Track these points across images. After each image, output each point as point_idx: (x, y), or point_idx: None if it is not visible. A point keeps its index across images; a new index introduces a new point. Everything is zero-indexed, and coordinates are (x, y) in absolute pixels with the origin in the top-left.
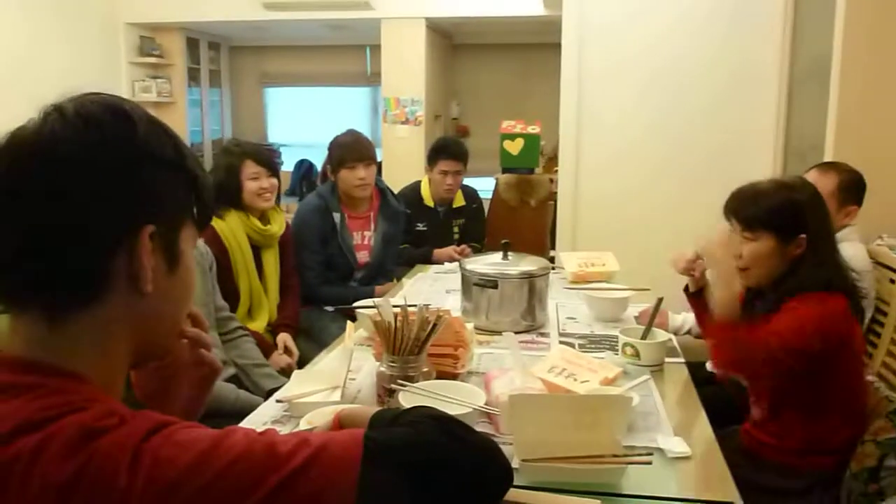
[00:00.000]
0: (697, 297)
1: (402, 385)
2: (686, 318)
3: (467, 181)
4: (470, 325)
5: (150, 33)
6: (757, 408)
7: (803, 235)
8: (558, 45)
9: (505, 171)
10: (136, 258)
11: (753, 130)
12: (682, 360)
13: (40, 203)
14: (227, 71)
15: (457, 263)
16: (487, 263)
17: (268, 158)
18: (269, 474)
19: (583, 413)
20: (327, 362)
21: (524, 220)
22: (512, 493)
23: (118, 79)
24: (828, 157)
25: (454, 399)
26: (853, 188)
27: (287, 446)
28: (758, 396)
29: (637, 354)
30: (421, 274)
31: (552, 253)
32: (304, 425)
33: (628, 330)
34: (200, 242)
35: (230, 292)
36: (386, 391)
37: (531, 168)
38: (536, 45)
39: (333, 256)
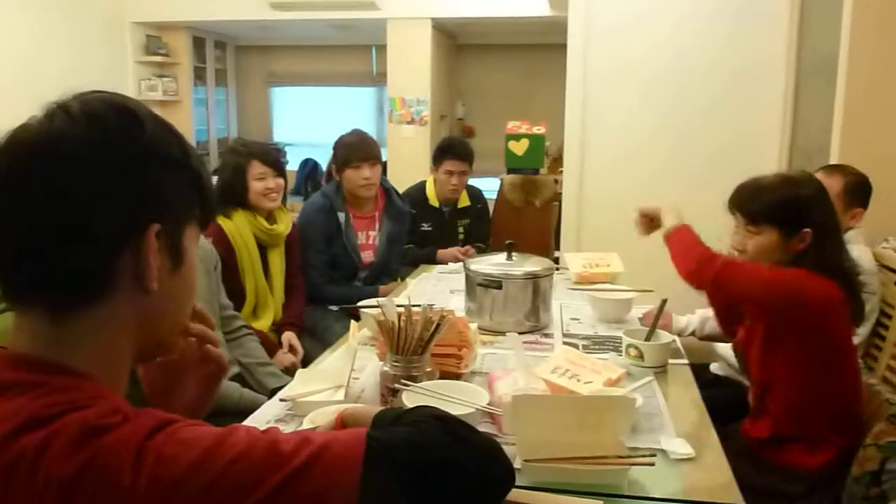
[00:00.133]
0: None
1: (405, 385)
2: (690, 319)
3: (472, 181)
4: (474, 326)
5: (157, 32)
6: (752, 399)
7: (807, 230)
8: (564, 46)
9: (510, 171)
10: (142, 257)
11: (759, 130)
12: (686, 361)
13: (46, 202)
14: (233, 70)
15: (461, 263)
16: (492, 264)
17: (274, 158)
18: (272, 473)
19: (586, 414)
20: (331, 361)
21: (529, 221)
22: (514, 494)
23: (124, 78)
24: (833, 159)
25: (457, 399)
26: (859, 190)
27: (290, 445)
28: (751, 384)
29: (641, 356)
30: (425, 274)
31: (556, 254)
32: (307, 424)
33: (632, 331)
34: (206, 242)
35: (236, 291)
36: (389, 391)
37: (536, 168)
38: (542, 46)
39: (338, 256)
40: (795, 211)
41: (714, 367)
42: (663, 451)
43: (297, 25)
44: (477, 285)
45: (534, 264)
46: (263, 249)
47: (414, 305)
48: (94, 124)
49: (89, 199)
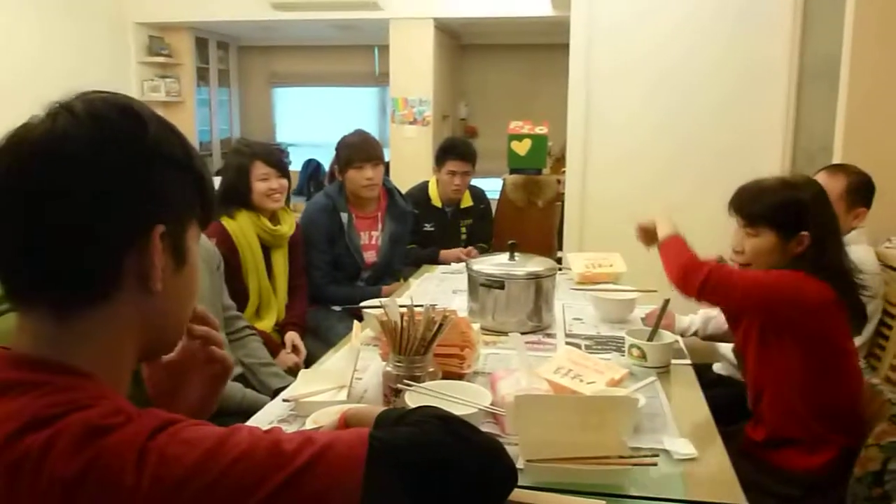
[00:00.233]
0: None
1: (408, 385)
2: (693, 320)
3: (474, 182)
4: (476, 326)
5: (159, 33)
6: (749, 402)
7: (805, 233)
8: (566, 46)
9: (512, 171)
10: (146, 257)
11: (762, 130)
12: (689, 361)
13: (48, 201)
14: (236, 71)
15: (463, 264)
16: (494, 264)
17: (278, 159)
18: (275, 472)
19: (589, 414)
20: (334, 362)
21: (531, 221)
22: (517, 494)
23: (127, 78)
24: (836, 159)
25: (460, 399)
26: (862, 190)
27: (292, 444)
28: (748, 388)
29: (643, 356)
30: (428, 274)
31: (559, 254)
32: (310, 424)
33: (635, 331)
34: (208, 242)
35: (239, 292)
36: (392, 391)
37: (539, 169)
38: (544, 46)
39: (341, 256)
40: (793, 214)
41: (717, 368)
42: (666, 452)
43: (300, 26)
44: (479, 285)
45: (536, 264)
46: (267, 250)
47: (416, 306)
48: (98, 124)
49: (93, 200)
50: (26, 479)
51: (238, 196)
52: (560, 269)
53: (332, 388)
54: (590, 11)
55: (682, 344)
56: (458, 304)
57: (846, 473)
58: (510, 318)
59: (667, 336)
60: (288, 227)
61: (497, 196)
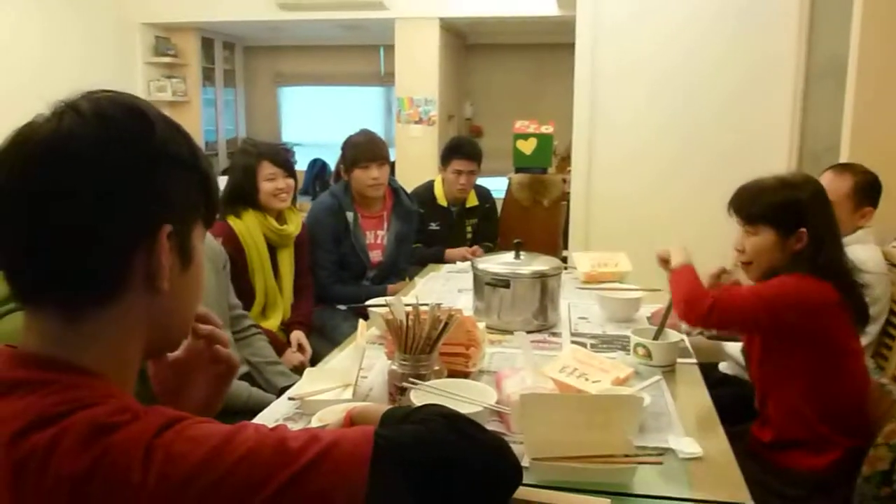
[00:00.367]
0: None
1: (413, 383)
2: None
3: (480, 181)
4: (482, 325)
5: (165, 33)
6: (756, 403)
7: (803, 230)
8: (572, 46)
9: (518, 170)
10: (154, 257)
11: (768, 130)
12: (694, 360)
13: (54, 201)
14: (242, 71)
15: (469, 263)
16: (500, 263)
17: (284, 159)
18: (280, 470)
19: (594, 413)
20: (339, 360)
21: (537, 220)
22: (522, 492)
23: (133, 78)
24: (843, 159)
25: (465, 398)
26: (868, 190)
27: (298, 442)
28: (755, 387)
29: (649, 355)
30: (433, 273)
31: (565, 253)
32: (315, 423)
33: (640, 330)
34: (215, 241)
35: (245, 291)
36: (397, 389)
37: (544, 168)
38: (550, 46)
39: (346, 255)
40: (792, 213)
41: (722, 367)
42: (671, 450)
43: (305, 26)
44: (485, 284)
45: (542, 263)
46: (273, 249)
47: (422, 304)
48: (104, 124)
49: (98, 200)
50: (32, 476)
51: (245, 196)
52: (565, 268)
53: (338, 387)
54: (595, 11)
55: (687, 343)
56: (464, 302)
57: (852, 473)
58: (516, 316)
59: (672, 335)
60: (294, 226)
61: (502, 195)
